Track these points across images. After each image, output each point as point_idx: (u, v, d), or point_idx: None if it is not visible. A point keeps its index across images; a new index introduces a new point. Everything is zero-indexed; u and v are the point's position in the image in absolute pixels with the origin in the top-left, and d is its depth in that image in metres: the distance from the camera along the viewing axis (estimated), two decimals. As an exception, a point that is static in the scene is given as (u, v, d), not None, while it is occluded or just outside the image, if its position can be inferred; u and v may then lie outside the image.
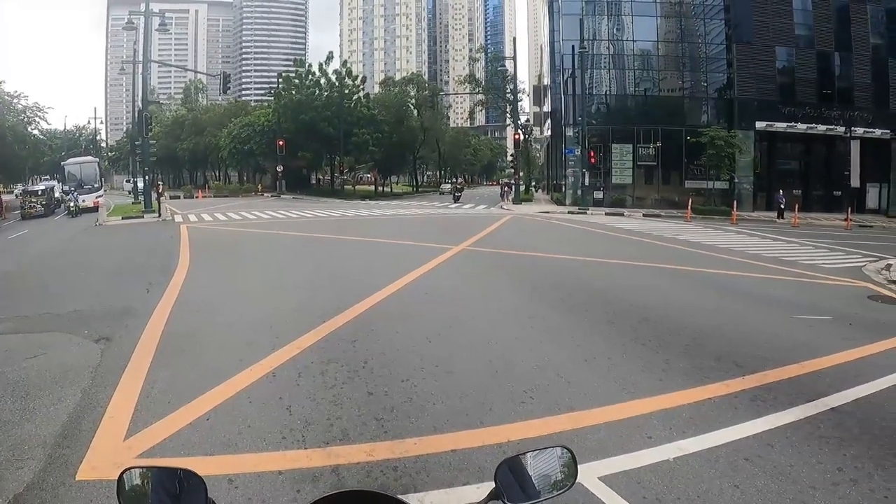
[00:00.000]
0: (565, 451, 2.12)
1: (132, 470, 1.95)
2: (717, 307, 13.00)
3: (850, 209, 41.75)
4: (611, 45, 56.94)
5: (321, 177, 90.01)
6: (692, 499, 5.10)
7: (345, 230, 28.97)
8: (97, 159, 62.97)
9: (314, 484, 5.36)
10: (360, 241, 24.72)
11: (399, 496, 1.74)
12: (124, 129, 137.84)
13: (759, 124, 51.14)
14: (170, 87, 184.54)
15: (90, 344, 9.96)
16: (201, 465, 5.59)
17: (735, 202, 43.71)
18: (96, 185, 52.70)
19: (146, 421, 6.71)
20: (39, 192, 51.24)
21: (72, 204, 44.03)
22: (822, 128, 50.98)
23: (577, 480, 2.10)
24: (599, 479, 5.31)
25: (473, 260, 19.65)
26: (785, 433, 6.41)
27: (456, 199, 62.14)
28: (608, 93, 57.30)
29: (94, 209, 44.56)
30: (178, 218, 35.93)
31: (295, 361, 8.77)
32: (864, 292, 15.34)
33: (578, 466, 2.27)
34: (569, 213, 44.06)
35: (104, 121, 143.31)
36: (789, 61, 54.15)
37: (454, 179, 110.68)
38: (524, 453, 2.07)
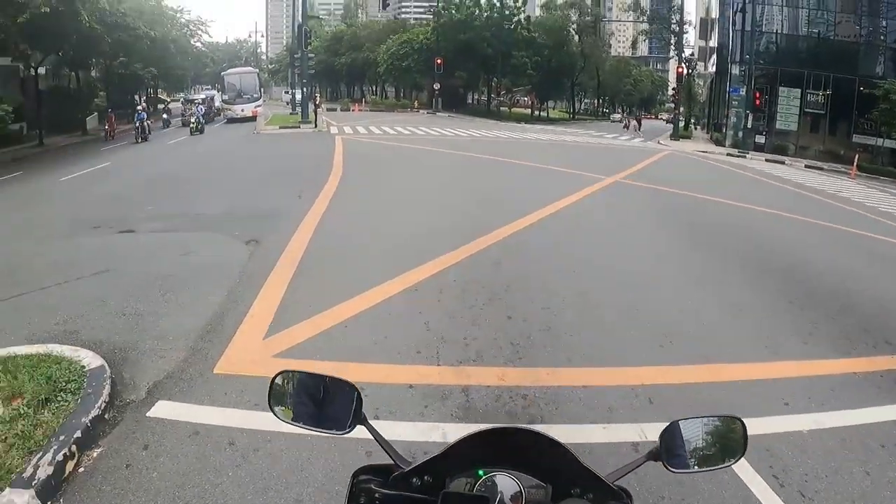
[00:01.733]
0: (737, 421, 1.96)
1: (286, 372, 1.99)
2: (873, 275, 12.16)
3: None
4: (786, -21, 53.34)
5: (477, 97, 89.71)
6: (819, 477, 4.89)
7: (498, 152, 28.77)
8: (256, 70, 65.09)
9: (442, 402, 5.50)
10: (513, 164, 24.53)
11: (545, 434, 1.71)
12: (284, 43, 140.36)
13: (943, 80, 47.06)
14: (329, 4, 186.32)
15: (240, 245, 10.42)
16: (334, 371, 5.69)
17: (907, 162, 40.62)
18: (255, 96, 53.84)
19: (286, 322, 7.01)
20: (199, 101, 52.49)
21: (193, 119, 40.99)
22: None
23: (743, 455, 1.95)
24: (729, 438, 5.17)
25: (625, 193, 19.24)
26: (931, 425, 6.01)
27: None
28: (778, 31, 53.61)
29: (253, 118, 47.80)
30: (333, 130, 36.67)
31: (437, 278, 8.94)
32: None
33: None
34: (727, 154, 42.18)
35: (265, 34, 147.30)
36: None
37: (623, 111, 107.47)
38: (694, 417, 1.94)
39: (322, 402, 1.91)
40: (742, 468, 4.79)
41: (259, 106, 52.11)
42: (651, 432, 5.19)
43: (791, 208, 19.54)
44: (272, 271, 8.95)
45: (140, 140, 34.80)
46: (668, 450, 1.87)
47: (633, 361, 6.71)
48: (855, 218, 19.62)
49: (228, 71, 61.26)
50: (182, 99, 66.41)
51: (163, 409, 5.24)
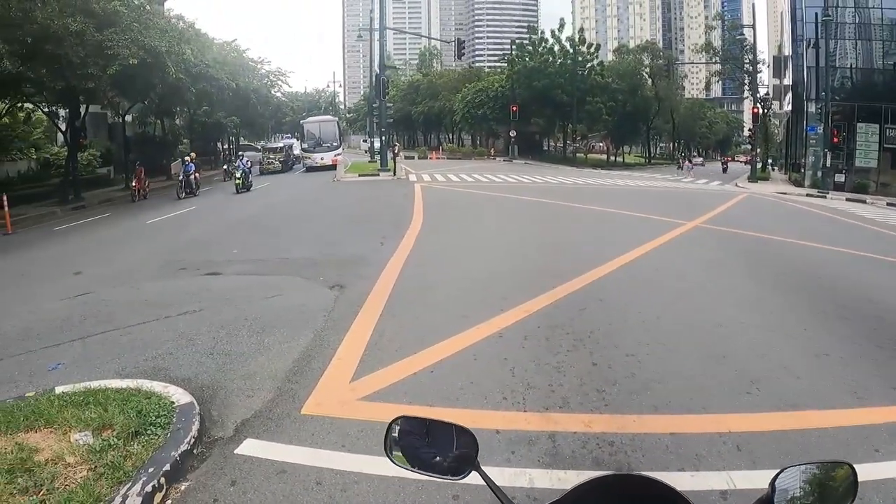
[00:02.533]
0: (847, 467, 1.92)
1: (403, 418, 2.08)
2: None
3: None
4: (857, 13, 52.34)
5: (553, 143, 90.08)
6: (917, 525, 4.75)
7: (576, 198, 28.75)
8: (336, 118, 65.49)
9: (529, 447, 5.51)
10: (591, 210, 24.47)
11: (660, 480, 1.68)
12: (361, 92, 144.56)
13: None
14: (405, 54, 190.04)
15: (325, 290, 10.64)
16: (419, 414, 5.80)
17: None
18: (335, 144, 53.33)
19: (373, 366, 7.13)
20: (278, 149, 55.57)
21: (238, 174, 35.28)
22: None
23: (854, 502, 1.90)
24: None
25: (705, 238, 18.99)
26: None
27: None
28: (853, 66, 52.63)
29: (333, 167, 47.55)
30: (412, 177, 37.17)
31: (522, 324, 8.95)
32: None
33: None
34: (807, 195, 41.37)
35: (342, 84, 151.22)
36: None
37: (692, 153, 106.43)
38: (804, 464, 1.91)
39: (437, 447, 1.94)
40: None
41: (339, 154, 52.06)
42: (739, 480, 5.18)
43: (875, 249, 18.99)
44: (357, 316, 9.13)
45: (183, 195, 32.66)
46: (778, 498, 1.83)
47: (721, 409, 6.63)
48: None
49: (308, 119, 61.90)
50: (262, 146, 67.28)
51: (250, 447, 5.39)
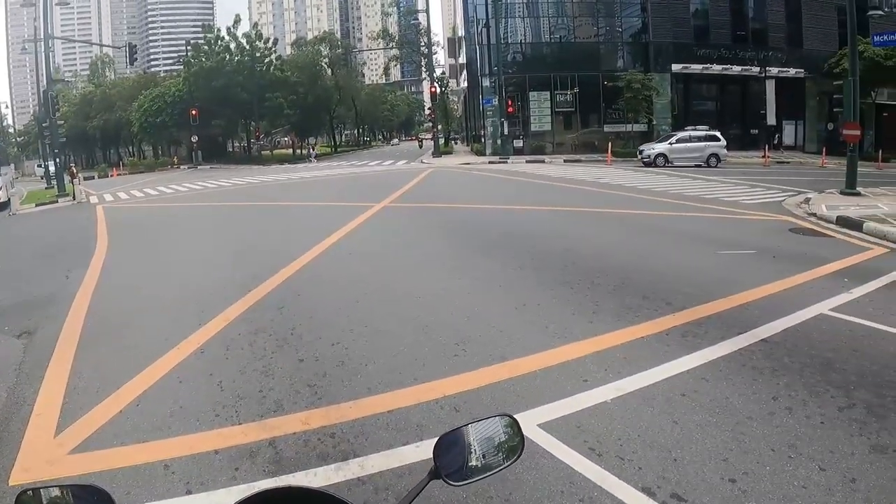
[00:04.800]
0: (507, 418, 1.97)
1: (28, 492, 1.72)
2: (643, 246, 13.20)
3: (767, 147, 42.64)
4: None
5: (238, 144, 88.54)
6: (632, 438, 5.16)
7: (264, 196, 28.55)
8: None
9: (252, 460, 5.24)
10: (281, 206, 24.37)
11: (329, 492, 1.60)
12: (31, 111, 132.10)
13: (675, 67, 51.94)
14: (75, 65, 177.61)
15: (11, 340, 9.52)
16: (135, 454, 5.45)
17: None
18: None
19: (75, 414, 6.45)
20: None
21: None
22: (737, 69, 52.09)
23: (523, 450, 1.94)
24: (539, 426, 5.34)
25: (396, 216, 19.59)
26: (718, 367, 6.57)
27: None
28: (524, 41, 57.08)
29: None
30: (93, 199, 34.59)
31: (222, 335, 8.58)
32: (785, 226, 15.72)
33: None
34: (489, 162, 44.02)
35: (9, 105, 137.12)
36: (703, 4, 54.86)
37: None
38: (463, 426, 1.91)
39: None
40: (558, 449, 4.98)
41: None
42: None
43: (558, 201, 20.77)
44: (51, 362, 8.19)
45: None
46: (445, 464, 1.83)
47: (432, 376, 6.77)
48: (618, 199, 21.06)
49: None
50: None
51: None
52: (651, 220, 17.01)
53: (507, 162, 43.47)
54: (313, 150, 72.90)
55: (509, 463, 1.91)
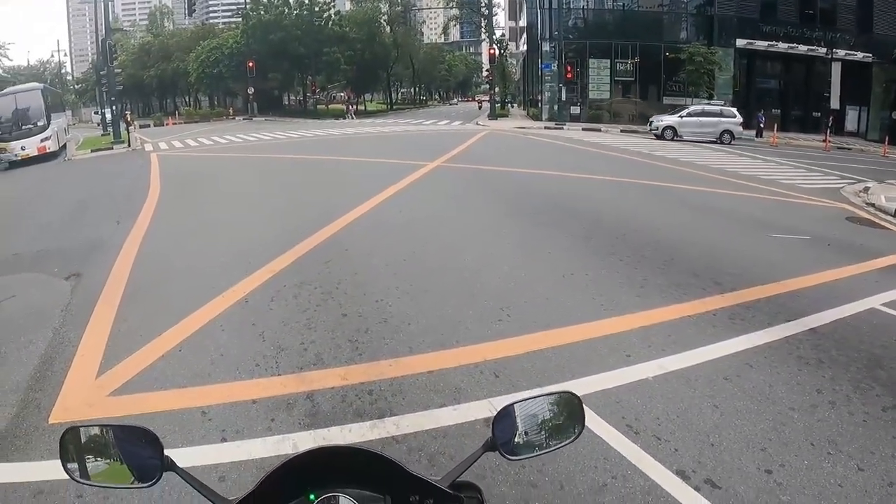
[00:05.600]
0: (571, 396, 1.89)
1: (75, 428, 1.72)
2: (695, 224, 12.95)
3: (828, 131, 41.43)
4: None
5: (293, 97, 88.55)
6: (671, 418, 5.09)
7: (317, 150, 28.47)
8: (42, 86, 40.18)
9: (288, 412, 5.28)
10: (334, 161, 24.28)
11: (372, 449, 1.56)
12: (89, 60, 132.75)
13: (740, 42, 50.23)
14: (134, 15, 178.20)
15: (60, 282, 9.66)
16: (173, 399, 5.54)
17: (714, 119, 43.26)
18: (40, 124, 34.88)
19: (118, 357, 6.53)
20: None
21: None
22: (803, 48, 50.08)
23: (582, 431, 1.87)
24: (578, 398, 5.26)
25: (448, 176, 19.47)
26: (764, 353, 6.42)
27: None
28: (585, 7, 55.88)
29: (44, 157, 33.73)
30: (148, 147, 34.77)
31: (268, 286, 8.65)
32: (841, 214, 15.24)
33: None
34: (545, 128, 43.44)
35: (68, 53, 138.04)
36: (772, -22, 53.05)
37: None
38: (523, 400, 1.84)
39: (122, 454, 1.66)
40: (596, 423, 4.90)
41: (47, 138, 34.54)
42: (501, 405, 5.19)
43: (612, 172, 20.44)
44: (97, 305, 8.31)
45: None
46: (503, 437, 1.77)
47: (474, 339, 6.74)
48: (674, 174, 20.72)
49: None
50: None
51: (2, 473, 4.71)
52: (705, 197, 16.67)
53: (562, 128, 42.86)
54: (351, 108, 72.17)
55: (567, 442, 1.85)
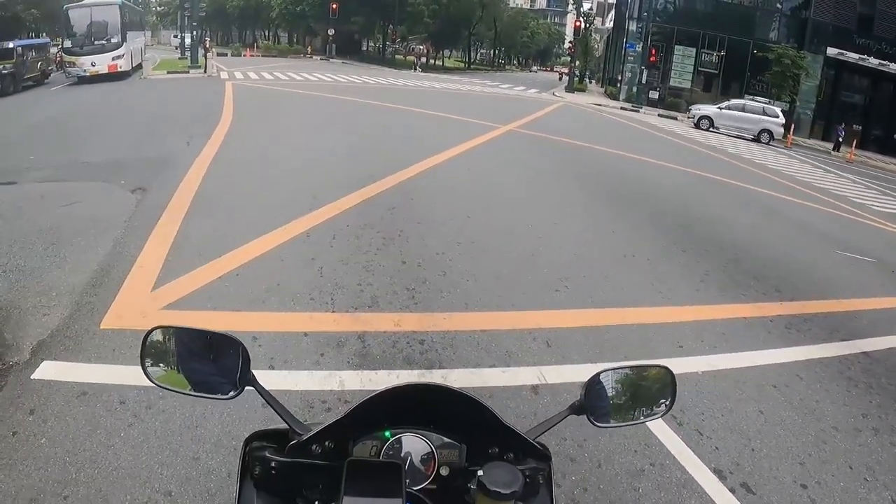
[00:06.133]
0: (667, 371, 1.86)
1: (160, 329, 1.70)
2: (762, 227, 12.69)
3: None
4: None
5: (373, 44, 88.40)
6: (716, 416, 5.06)
7: (394, 99, 28.37)
8: (120, 1, 35.42)
9: (338, 349, 5.36)
10: (408, 111, 24.22)
11: (453, 387, 1.56)
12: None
13: (831, 51, 48.48)
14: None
15: (126, 194, 9.85)
16: (227, 321, 5.63)
17: (793, 126, 41.87)
18: (114, 41, 33.16)
19: (175, 273, 6.65)
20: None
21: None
22: (894, 67, 48.70)
23: (672, 407, 1.86)
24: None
25: (519, 142, 19.30)
26: (815, 368, 6.32)
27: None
28: (676, -9, 54.93)
29: (115, 76, 32.38)
30: (223, 75, 34.97)
31: (331, 223, 8.74)
32: (911, 243, 14.68)
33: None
34: (621, 108, 42.83)
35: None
36: (874, -11, 51.20)
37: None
38: (619, 367, 1.81)
39: (205, 361, 1.66)
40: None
41: (119, 57, 32.90)
42: (550, 375, 5.32)
43: (685, 162, 20.06)
44: (160, 220, 8.44)
45: None
46: (592, 403, 1.73)
47: (530, 305, 6.77)
48: (747, 174, 20.26)
49: (74, 4, 35.28)
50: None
51: (48, 371, 4.81)
52: (775, 202, 16.26)
53: (638, 111, 42.20)
54: (418, 61, 71.64)
55: (656, 416, 1.85)
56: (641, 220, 11.36)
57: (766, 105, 37.37)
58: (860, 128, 44.25)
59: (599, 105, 42.76)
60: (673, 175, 17.42)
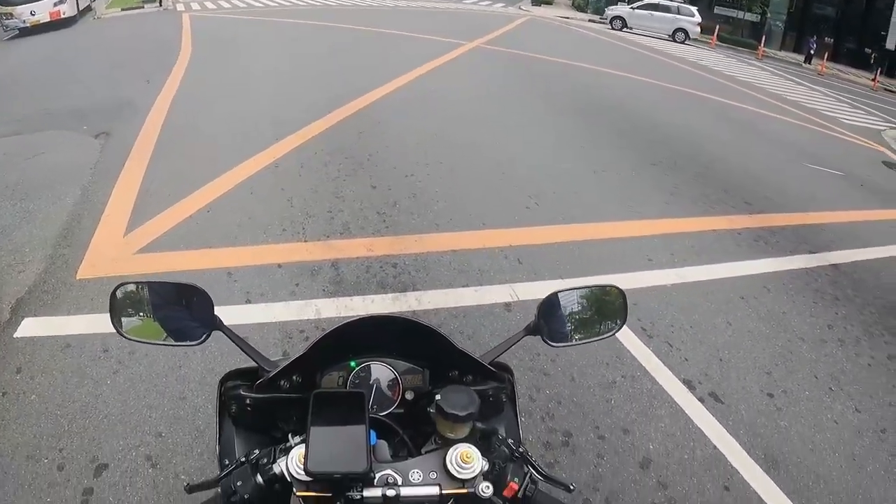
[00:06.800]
0: (617, 290, 1.89)
1: (126, 285, 1.73)
2: (732, 140, 12.72)
3: (879, 70, 39.95)
4: None
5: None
6: (685, 328, 5.21)
7: (351, 19, 27.87)
8: None
9: (313, 278, 5.41)
10: (368, 31, 23.68)
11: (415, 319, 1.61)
12: None
13: (802, -41, 48.32)
14: None
15: (89, 140, 9.63)
16: (200, 258, 5.66)
17: (763, 37, 41.61)
18: None
19: (146, 216, 6.58)
20: None
21: None
22: (869, -22, 48.07)
23: (624, 324, 1.88)
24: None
25: (486, 59, 19.03)
26: (782, 279, 6.48)
27: None
28: None
29: (59, 23, 28.93)
30: (179, 6, 33.89)
31: (298, 152, 8.68)
32: (879, 157, 14.80)
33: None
34: (589, 20, 42.37)
35: None
36: None
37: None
38: (571, 289, 1.83)
39: (170, 310, 1.71)
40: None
41: (61, 2, 28.71)
42: (522, 292, 5.43)
43: (654, 74, 19.92)
44: (126, 164, 8.29)
45: None
46: (547, 323, 1.77)
47: (501, 224, 6.86)
48: (716, 86, 20.25)
49: None
50: None
51: (30, 327, 4.81)
52: (746, 115, 16.23)
53: (605, 23, 41.95)
54: None
55: (609, 334, 1.87)
56: (610, 134, 11.46)
57: (680, 4, 36.94)
58: (832, 40, 43.96)
59: (567, 18, 42.19)
60: (641, 88, 17.36)
